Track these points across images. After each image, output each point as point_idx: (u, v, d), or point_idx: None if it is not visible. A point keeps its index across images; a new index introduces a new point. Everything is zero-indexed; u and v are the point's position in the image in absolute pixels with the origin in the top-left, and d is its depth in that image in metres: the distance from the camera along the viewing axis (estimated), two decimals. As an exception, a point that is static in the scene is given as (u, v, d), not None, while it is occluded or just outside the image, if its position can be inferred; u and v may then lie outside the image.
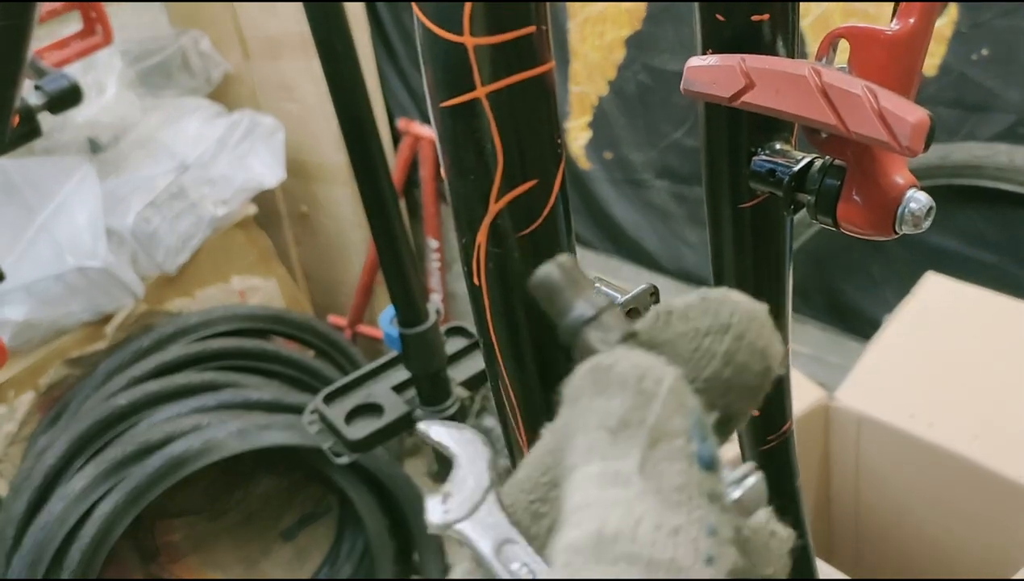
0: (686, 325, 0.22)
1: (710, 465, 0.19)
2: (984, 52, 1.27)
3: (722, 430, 0.22)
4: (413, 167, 2.24)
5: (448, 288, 2.42)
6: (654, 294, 0.31)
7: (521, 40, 0.25)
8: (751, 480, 0.20)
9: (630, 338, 0.22)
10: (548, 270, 0.23)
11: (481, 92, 0.25)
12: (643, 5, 1.61)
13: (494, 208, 0.27)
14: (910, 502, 1.02)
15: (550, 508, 0.22)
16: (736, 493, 0.20)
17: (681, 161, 1.70)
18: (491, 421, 2.23)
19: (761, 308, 0.23)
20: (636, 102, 1.72)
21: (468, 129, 0.26)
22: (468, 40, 0.25)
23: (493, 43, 0.25)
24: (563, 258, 0.23)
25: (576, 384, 0.21)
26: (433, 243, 2.30)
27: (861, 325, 1.52)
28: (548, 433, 0.23)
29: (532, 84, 0.26)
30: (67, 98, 0.84)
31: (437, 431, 0.24)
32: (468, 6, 0.24)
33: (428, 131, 2.17)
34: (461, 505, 0.22)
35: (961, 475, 0.96)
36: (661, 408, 0.19)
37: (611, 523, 0.17)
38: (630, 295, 0.31)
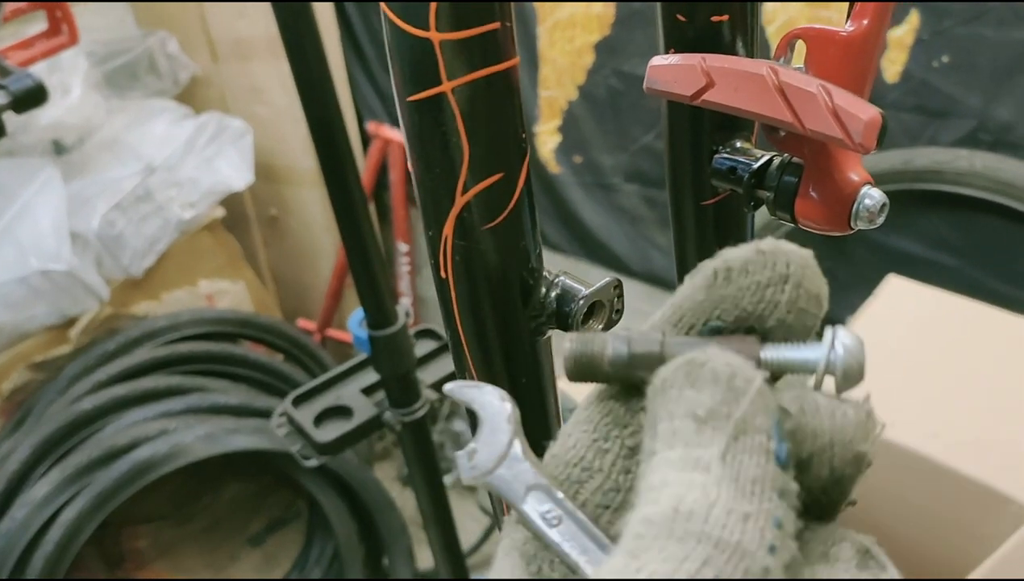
0: (747, 279, 0.23)
1: (785, 464, 0.20)
2: (945, 59, 1.30)
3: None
4: (383, 170, 2.24)
5: (418, 292, 2.42)
6: (617, 287, 0.32)
7: (486, 36, 0.26)
8: (840, 353, 0.22)
9: (666, 337, 0.24)
10: (569, 349, 0.25)
11: (447, 87, 0.26)
12: (612, 10, 1.63)
13: (460, 201, 0.28)
14: (870, 500, 1.04)
15: (591, 476, 0.23)
16: None
17: (650, 165, 1.72)
18: (461, 425, 2.23)
19: (810, 254, 0.24)
20: (606, 106, 1.73)
21: (435, 123, 0.27)
22: (434, 35, 0.25)
23: (459, 38, 0.25)
24: (572, 335, 0.25)
25: (666, 376, 0.22)
26: (403, 247, 2.30)
27: (824, 326, 1.54)
28: (601, 399, 0.24)
29: (497, 79, 0.26)
30: (32, 97, 0.83)
31: (461, 391, 0.26)
32: (434, 4, 0.25)
33: (398, 134, 2.17)
34: (487, 459, 0.24)
35: (920, 473, 0.98)
36: (749, 405, 0.20)
37: (687, 502, 0.18)
38: (594, 288, 0.31)
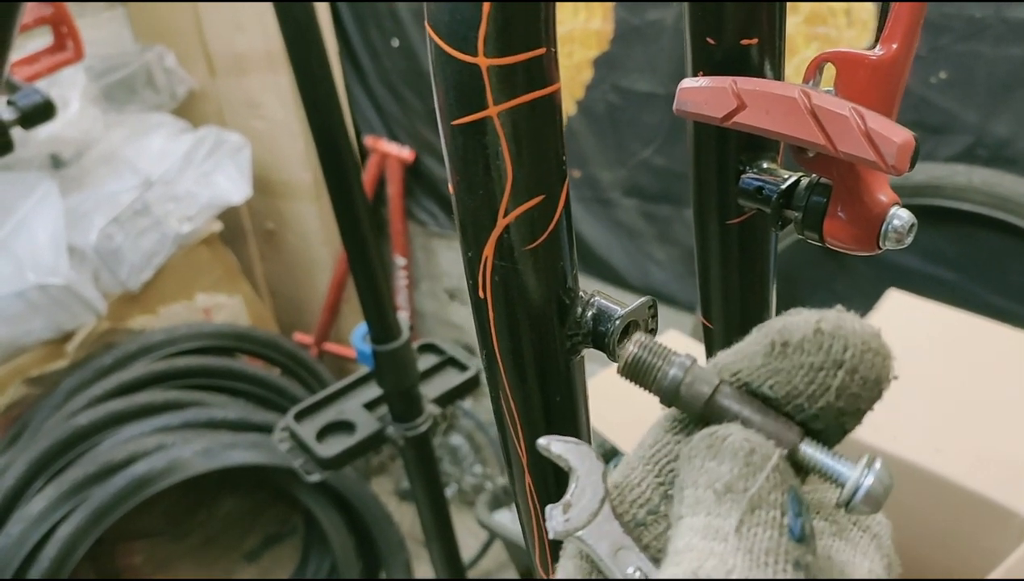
0: (802, 357, 0.23)
1: (801, 538, 0.21)
2: (943, 75, 1.31)
3: (833, 438, 0.24)
4: (380, 185, 2.24)
5: (415, 306, 2.42)
6: (652, 307, 0.32)
7: (532, 61, 0.26)
8: (867, 482, 0.23)
9: (722, 385, 0.25)
10: (633, 352, 0.26)
11: (493, 111, 0.26)
12: (610, 26, 1.64)
13: (502, 223, 0.28)
14: (876, 514, 1.04)
15: (655, 517, 0.25)
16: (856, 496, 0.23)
17: (649, 180, 1.72)
18: (458, 439, 2.22)
19: (874, 336, 0.24)
20: (604, 121, 1.74)
21: (479, 146, 0.27)
22: (482, 61, 0.25)
23: (506, 64, 0.26)
24: (640, 337, 0.27)
25: (694, 445, 0.23)
26: (400, 261, 2.30)
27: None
28: (657, 443, 0.26)
29: (541, 103, 0.27)
30: (40, 113, 0.84)
31: (557, 446, 0.26)
32: (483, 28, 0.25)
33: (395, 149, 2.17)
34: (580, 514, 0.25)
35: (923, 487, 0.98)
36: (764, 481, 0.21)
37: (706, 568, 0.19)
38: (629, 309, 0.32)
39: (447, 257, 2.29)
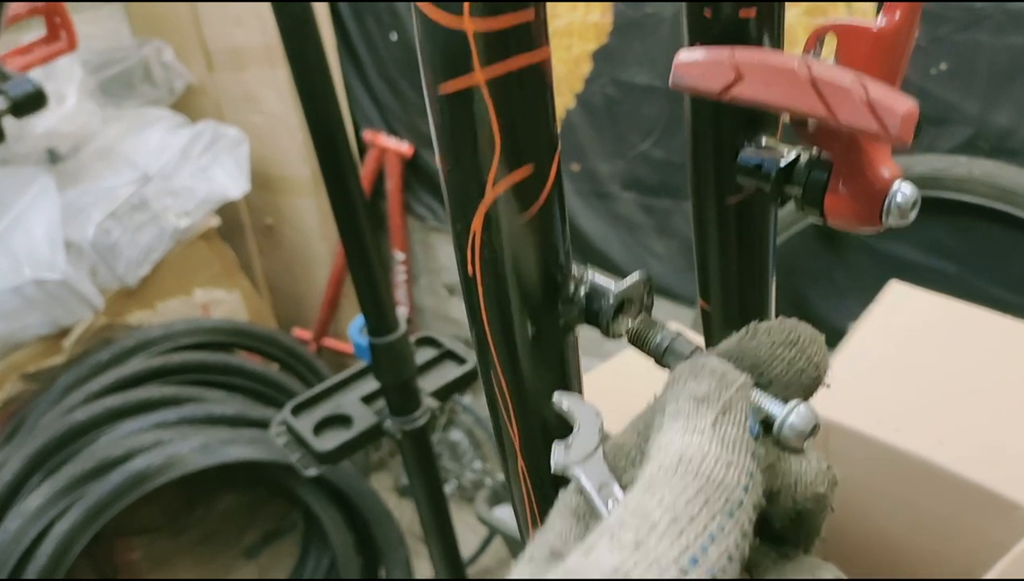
0: (767, 337, 0.31)
1: (756, 435, 0.27)
2: (943, 66, 1.30)
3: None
4: (379, 179, 2.23)
5: (414, 301, 2.41)
6: (647, 283, 0.32)
7: (520, 25, 0.25)
8: (791, 418, 0.28)
9: (697, 350, 0.32)
10: (636, 324, 0.33)
11: (480, 77, 0.25)
12: (609, 18, 1.63)
13: (490, 194, 0.27)
14: (877, 506, 1.04)
15: (632, 464, 0.30)
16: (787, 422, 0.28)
17: (648, 173, 1.71)
18: (458, 435, 2.22)
19: (819, 335, 0.32)
20: (603, 114, 1.73)
21: (466, 115, 0.26)
22: (468, 25, 0.24)
23: (492, 28, 0.25)
24: (643, 316, 0.33)
25: (677, 373, 0.29)
26: (399, 255, 2.29)
27: (825, 334, 1.53)
28: (641, 415, 0.31)
29: (530, 69, 0.26)
30: (32, 102, 0.83)
31: (567, 402, 0.32)
32: (469, -9, 0.24)
33: (394, 143, 2.16)
34: (578, 453, 0.30)
35: (927, 479, 0.98)
36: (734, 392, 0.27)
37: (688, 453, 0.25)
38: (624, 286, 0.31)
39: (446, 252, 2.28)
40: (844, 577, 0.28)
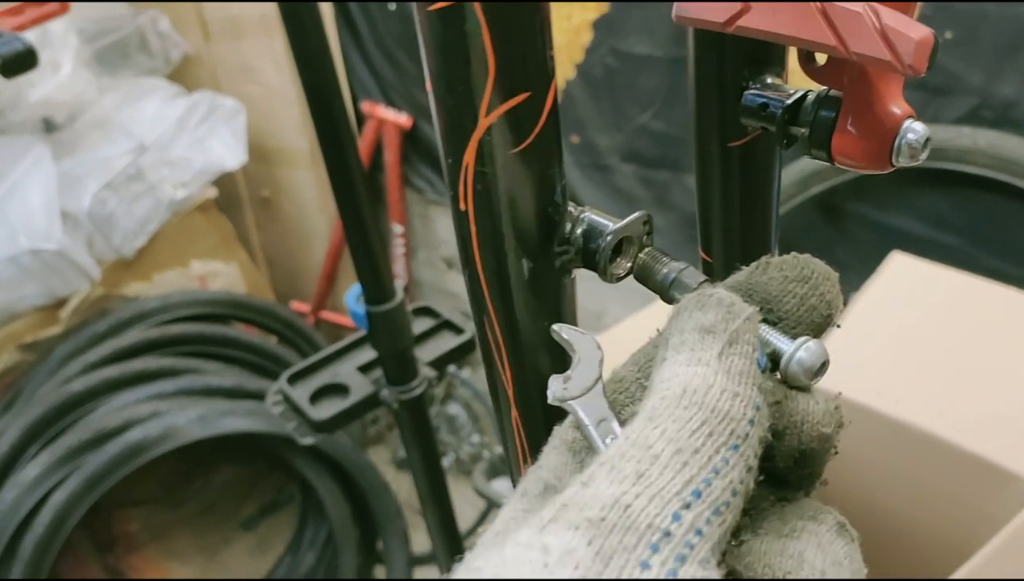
0: (779, 272, 0.30)
1: (764, 369, 0.27)
2: (948, 36, 1.28)
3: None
4: (377, 151, 2.21)
5: (413, 274, 2.40)
6: (647, 222, 0.30)
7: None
8: (800, 353, 0.27)
9: (706, 282, 0.31)
10: (642, 258, 0.32)
11: (473, -9, 0.24)
12: (611, -13, 1.60)
13: (484, 123, 0.26)
14: (877, 478, 1.03)
15: (632, 400, 0.30)
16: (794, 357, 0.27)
17: (647, 145, 1.70)
18: (456, 408, 2.21)
19: (834, 272, 0.30)
20: (603, 85, 1.71)
21: (458, 34, 0.25)
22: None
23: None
24: (649, 250, 0.32)
25: (683, 304, 0.28)
26: (398, 228, 2.28)
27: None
28: (643, 349, 0.31)
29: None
30: (22, 61, 0.81)
31: (567, 332, 0.30)
32: None
33: (392, 114, 2.14)
34: (576, 387, 0.29)
35: (927, 451, 0.97)
36: (742, 323, 0.26)
37: (693, 384, 0.24)
38: (622, 223, 0.30)
39: (445, 225, 2.26)
40: (845, 520, 0.27)
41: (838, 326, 0.31)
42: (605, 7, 1.63)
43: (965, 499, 0.97)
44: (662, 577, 0.20)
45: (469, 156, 0.27)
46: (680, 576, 0.20)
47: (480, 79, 0.25)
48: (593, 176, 1.81)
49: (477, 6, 0.24)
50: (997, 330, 1.06)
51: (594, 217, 0.30)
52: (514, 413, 0.33)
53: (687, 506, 0.21)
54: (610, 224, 0.29)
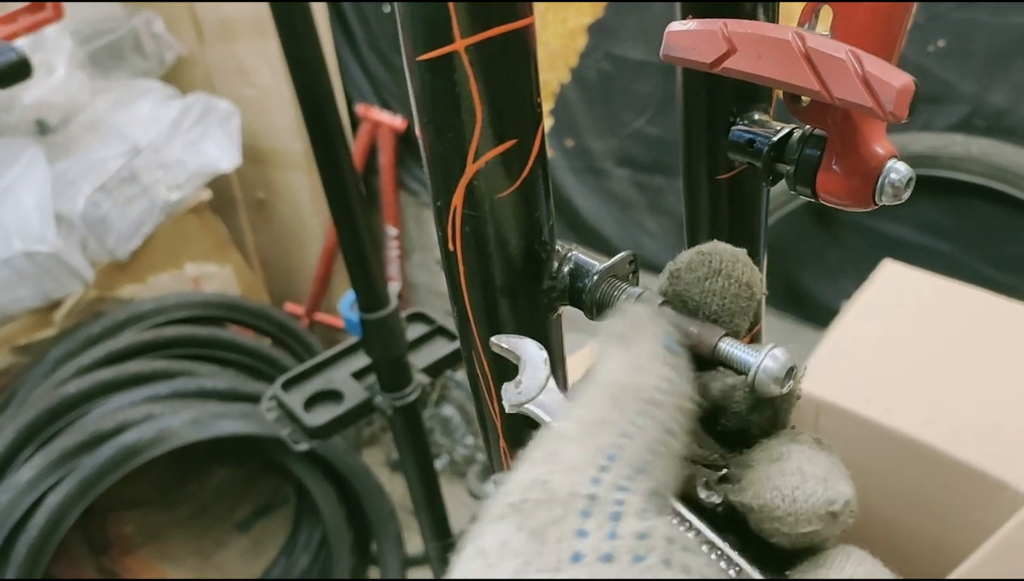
0: (691, 275, 0.30)
1: (672, 350, 0.27)
2: (940, 44, 1.29)
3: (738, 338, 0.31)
4: (372, 154, 2.21)
5: (407, 277, 2.40)
6: (632, 262, 0.31)
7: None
8: (766, 362, 0.28)
9: (664, 303, 0.31)
10: (601, 287, 0.32)
11: (460, 45, 0.24)
12: (605, -8, 1.61)
13: (471, 168, 0.26)
14: (867, 485, 1.04)
15: None
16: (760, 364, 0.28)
17: (641, 150, 1.70)
18: (450, 410, 2.22)
19: (741, 251, 0.30)
20: (598, 90, 1.71)
21: (446, 84, 0.25)
22: (450, -6, 0.24)
23: (475, -7, 0.24)
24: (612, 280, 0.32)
25: (609, 319, 0.29)
26: (392, 231, 2.28)
27: (818, 313, 1.53)
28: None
29: (512, 38, 0.25)
30: (16, 71, 0.81)
31: (507, 341, 0.31)
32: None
33: (387, 117, 2.14)
34: (529, 390, 0.30)
35: (917, 458, 0.98)
36: (646, 321, 0.28)
37: (601, 375, 0.26)
38: (607, 264, 0.30)
39: (440, 228, 2.26)
40: (819, 437, 0.28)
41: (766, 294, 0.31)
42: (600, 12, 1.64)
43: (955, 506, 0.98)
44: (602, 538, 0.21)
45: (458, 200, 0.27)
46: (620, 532, 0.21)
47: (468, 127, 0.26)
48: (587, 180, 1.81)
49: (464, 57, 0.24)
50: (988, 338, 1.07)
51: (581, 257, 0.30)
52: (502, 444, 0.34)
53: (603, 469, 0.22)
54: (597, 264, 0.30)
